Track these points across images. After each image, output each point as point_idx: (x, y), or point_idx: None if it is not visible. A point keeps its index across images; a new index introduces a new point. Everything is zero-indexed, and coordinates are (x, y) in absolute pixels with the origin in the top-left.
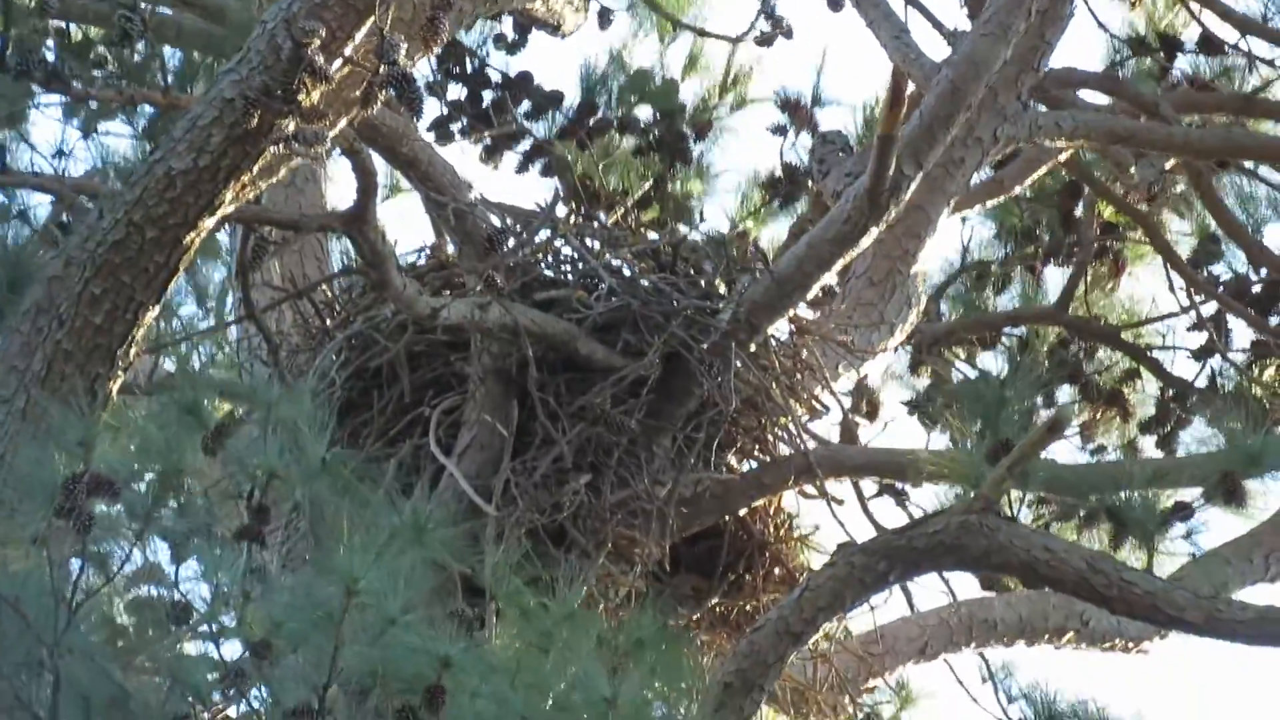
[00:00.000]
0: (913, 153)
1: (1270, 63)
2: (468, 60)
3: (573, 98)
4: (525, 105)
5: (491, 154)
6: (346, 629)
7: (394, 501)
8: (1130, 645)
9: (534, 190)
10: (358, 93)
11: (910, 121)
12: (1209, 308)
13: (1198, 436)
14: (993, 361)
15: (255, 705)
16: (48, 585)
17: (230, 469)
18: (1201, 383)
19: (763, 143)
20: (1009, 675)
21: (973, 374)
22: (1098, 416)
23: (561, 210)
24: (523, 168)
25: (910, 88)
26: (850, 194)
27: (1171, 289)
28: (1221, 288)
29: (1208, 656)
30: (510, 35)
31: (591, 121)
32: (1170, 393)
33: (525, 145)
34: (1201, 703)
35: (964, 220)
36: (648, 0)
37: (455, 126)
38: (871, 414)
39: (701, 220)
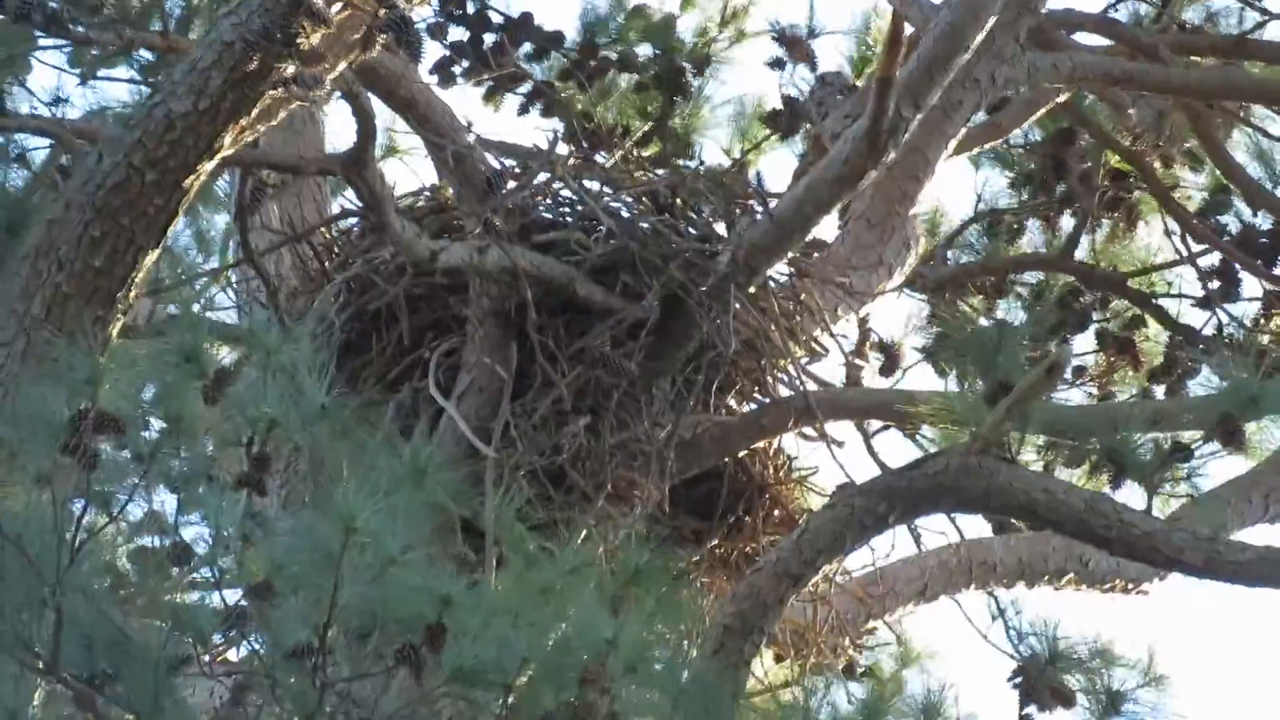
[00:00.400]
0: (911, 95)
1: (1263, 9)
2: (469, 2)
3: (574, 37)
4: (526, 47)
5: (492, 96)
6: (346, 570)
7: (394, 444)
8: (1130, 586)
9: (536, 132)
10: (357, 36)
11: (908, 63)
12: (1215, 256)
13: (1205, 385)
14: (1006, 310)
15: (256, 647)
16: (50, 524)
17: (230, 414)
18: (1208, 332)
19: (761, 77)
20: (1018, 613)
21: (970, 320)
22: (1110, 364)
23: (561, 151)
24: (524, 110)
25: (908, 30)
26: (849, 136)
27: (1167, 233)
28: (1225, 237)
29: (1207, 598)
30: None
31: (592, 63)
32: (1177, 341)
33: (526, 87)
34: (1201, 644)
35: (978, 167)
36: None
37: (457, 69)
38: (892, 364)
39: (700, 162)
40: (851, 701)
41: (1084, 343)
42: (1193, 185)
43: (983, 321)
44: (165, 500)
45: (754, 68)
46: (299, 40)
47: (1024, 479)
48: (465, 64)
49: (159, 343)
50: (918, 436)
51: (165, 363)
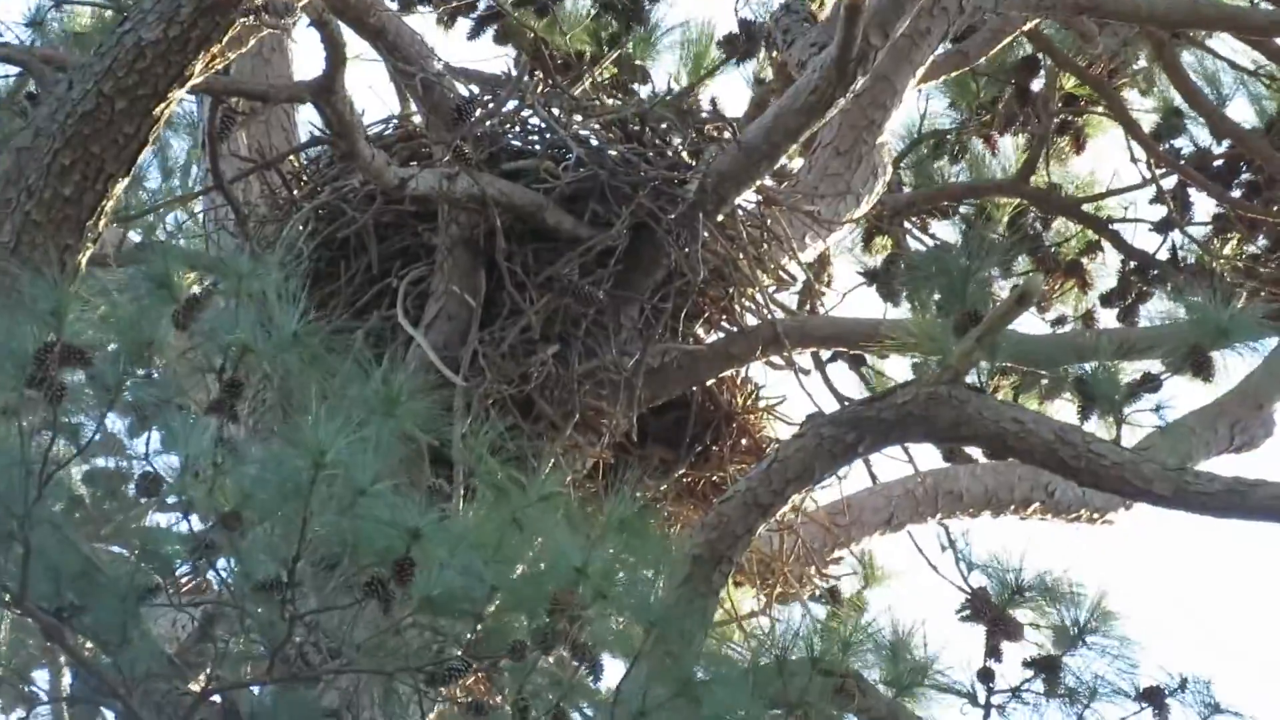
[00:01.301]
0: (880, 23)
1: None
2: None
3: None
4: None
5: (446, 20)
6: (316, 501)
7: (364, 371)
8: (1096, 516)
9: (494, 60)
10: None
11: None
12: (1170, 181)
13: (1158, 310)
14: (948, 231)
15: (224, 576)
16: (17, 456)
17: (199, 341)
18: (1162, 256)
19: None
20: (969, 544)
21: (929, 245)
22: (1056, 287)
23: (529, 79)
24: (475, 34)
25: None
26: (817, 64)
27: (1133, 160)
28: (1183, 161)
29: (1173, 527)
30: None
31: None
32: (1131, 265)
33: (479, 11)
34: (1166, 574)
35: (919, 90)
36: None
37: None
38: (827, 285)
39: (669, 90)
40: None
41: (1026, 264)
42: (1140, 108)
43: (914, 245)
44: (128, 421)
45: None
46: None
47: (993, 408)
48: None
49: (129, 270)
50: (863, 370)
51: (136, 289)
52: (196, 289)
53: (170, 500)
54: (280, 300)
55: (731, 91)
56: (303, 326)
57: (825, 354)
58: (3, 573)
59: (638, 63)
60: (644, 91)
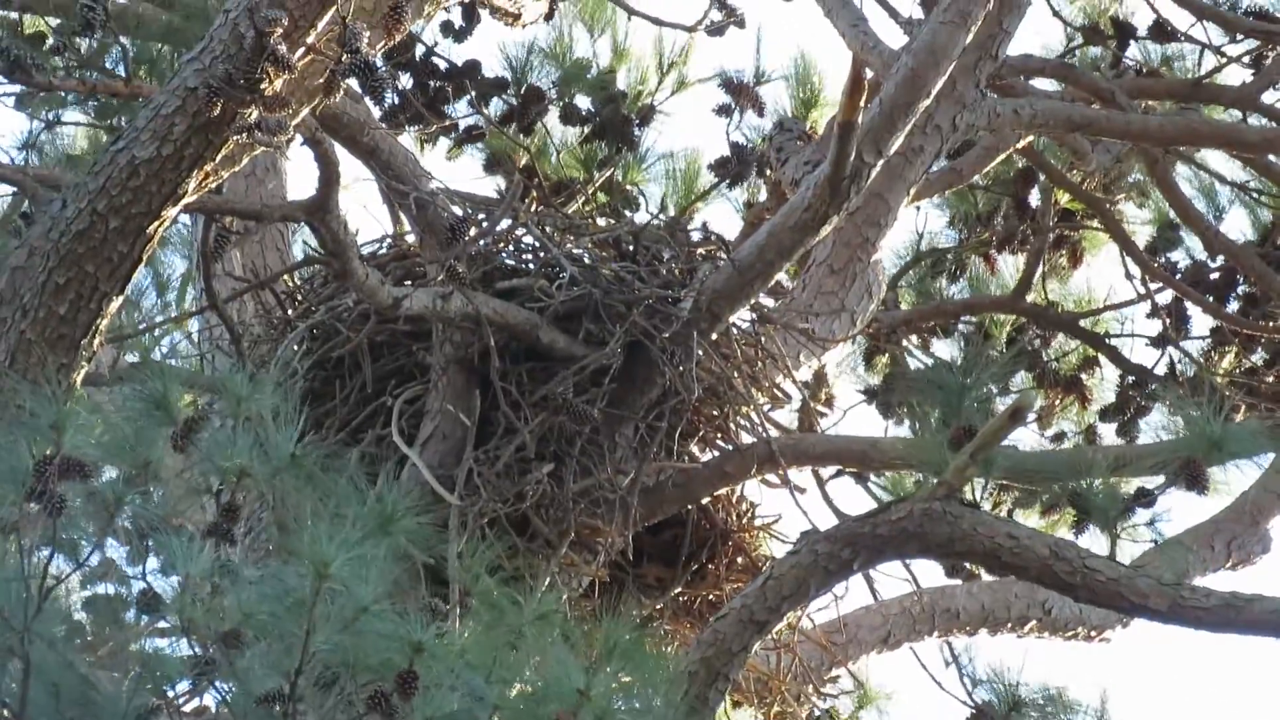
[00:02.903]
0: (873, 140)
1: (1219, 50)
2: (416, 48)
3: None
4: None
5: (430, 140)
6: (318, 616)
7: (360, 491)
8: (1093, 633)
9: (474, 179)
10: (320, 81)
11: (870, 109)
12: (1166, 295)
13: (1157, 424)
14: (948, 349)
15: (224, 695)
16: (17, 571)
17: (196, 461)
18: (1160, 370)
19: (707, 124)
20: (972, 660)
21: (928, 362)
22: (1056, 403)
23: (521, 198)
24: (459, 145)
25: (869, 75)
26: (810, 182)
27: (1128, 276)
28: (1179, 275)
29: (1170, 644)
30: (457, 23)
31: (534, 111)
32: (1129, 380)
33: (459, 132)
34: (1165, 689)
35: (918, 208)
36: None
37: (405, 115)
38: (827, 404)
39: (662, 210)
40: None
41: (1025, 380)
42: (1135, 221)
43: (925, 362)
44: (126, 549)
45: (695, 116)
46: (263, 86)
47: (988, 525)
48: (411, 110)
49: (126, 390)
50: (869, 484)
51: (133, 409)
52: (192, 410)
53: (166, 624)
54: (277, 421)
55: (722, 216)
56: (299, 448)
57: (829, 473)
58: (3, 689)
59: (628, 187)
60: (636, 216)
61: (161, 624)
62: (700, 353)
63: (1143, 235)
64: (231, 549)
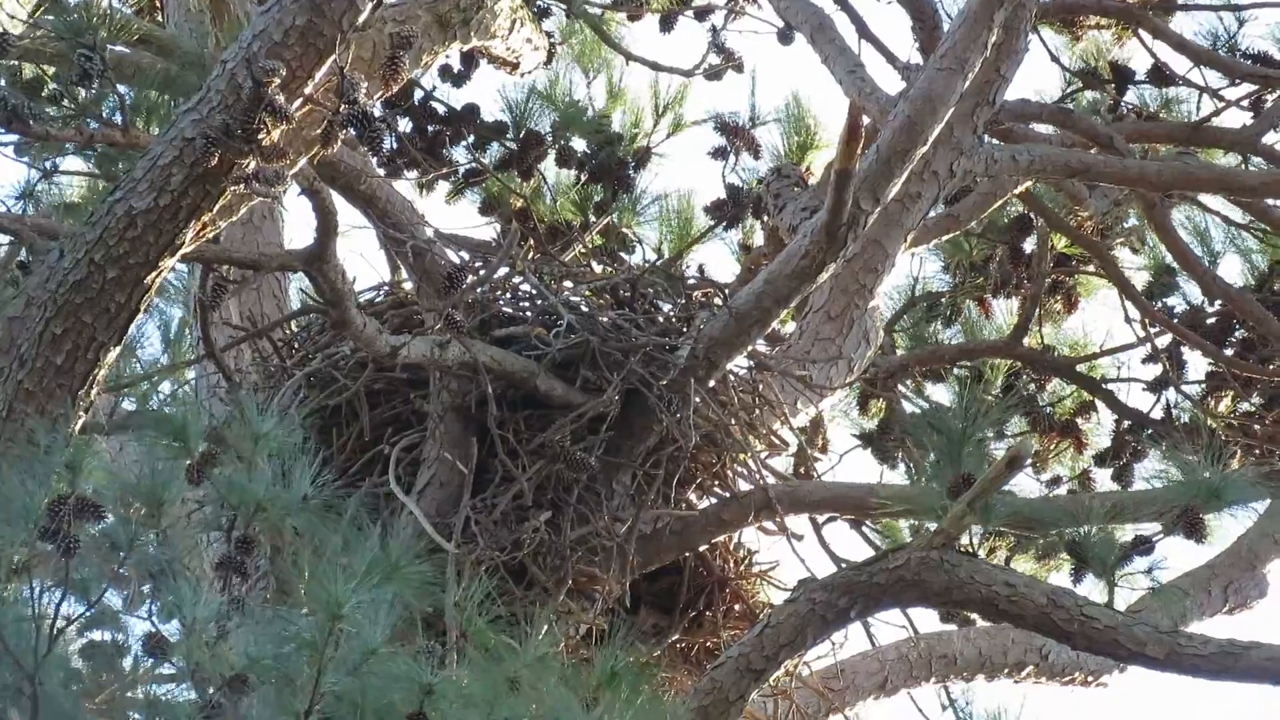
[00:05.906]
0: (870, 187)
1: (1217, 94)
2: (415, 92)
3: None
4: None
5: (427, 186)
6: (329, 659)
7: (362, 537)
8: (1090, 679)
9: (473, 226)
10: (318, 131)
11: (867, 156)
12: (1163, 340)
13: (1153, 469)
14: (944, 394)
15: None
16: (28, 611)
17: (207, 497)
18: (1156, 415)
19: (701, 167)
20: (969, 705)
21: (924, 408)
22: (1051, 448)
23: (519, 246)
24: (457, 193)
25: (866, 121)
26: (808, 229)
27: (1127, 320)
28: (1176, 319)
29: (1168, 689)
30: (456, 68)
31: (532, 156)
32: (1125, 425)
33: (457, 177)
34: None
35: (913, 253)
36: (600, 34)
37: (403, 161)
38: (822, 450)
39: (658, 256)
40: None
41: (1020, 425)
42: (1132, 266)
43: (921, 407)
44: (124, 594)
45: (691, 158)
46: (260, 136)
47: (985, 573)
48: (409, 156)
49: (144, 418)
50: (865, 530)
51: (148, 440)
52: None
53: (170, 669)
54: (290, 461)
55: (717, 258)
56: (313, 489)
57: (823, 516)
58: None
59: (624, 230)
60: (632, 259)
61: (160, 670)
62: (698, 400)
63: (1139, 280)
64: (244, 583)
